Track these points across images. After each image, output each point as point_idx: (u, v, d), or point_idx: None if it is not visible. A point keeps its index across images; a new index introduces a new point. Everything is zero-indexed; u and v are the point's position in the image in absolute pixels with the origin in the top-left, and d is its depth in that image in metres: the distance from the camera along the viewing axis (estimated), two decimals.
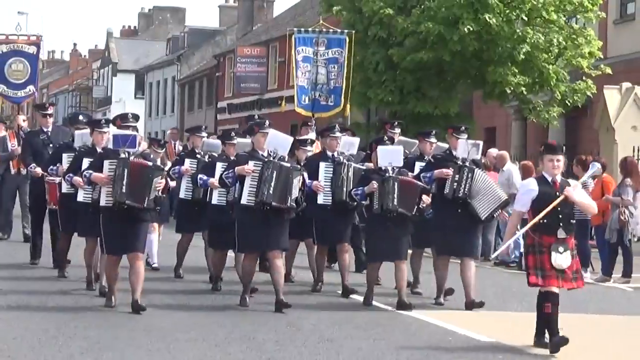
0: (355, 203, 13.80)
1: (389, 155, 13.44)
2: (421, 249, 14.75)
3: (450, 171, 13.48)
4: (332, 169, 14.27)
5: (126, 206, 12.03)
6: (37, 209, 16.44)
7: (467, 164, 13.55)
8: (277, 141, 12.89)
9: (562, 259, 10.61)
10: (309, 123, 19.45)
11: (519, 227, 11.27)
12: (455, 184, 13.43)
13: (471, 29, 25.64)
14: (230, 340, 10.89)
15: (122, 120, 13.44)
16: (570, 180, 11.07)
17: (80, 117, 15.24)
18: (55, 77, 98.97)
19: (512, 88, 26.78)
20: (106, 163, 12.21)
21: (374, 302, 13.64)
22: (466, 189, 13.40)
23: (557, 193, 10.66)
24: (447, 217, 13.51)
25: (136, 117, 13.94)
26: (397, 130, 15.97)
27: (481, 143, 14.28)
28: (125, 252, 12.36)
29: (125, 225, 12.18)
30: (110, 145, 12.48)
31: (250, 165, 12.63)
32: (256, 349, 10.49)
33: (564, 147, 11.04)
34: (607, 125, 25.51)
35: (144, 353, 10.09)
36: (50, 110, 16.80)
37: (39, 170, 15.72)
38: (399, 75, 27.38)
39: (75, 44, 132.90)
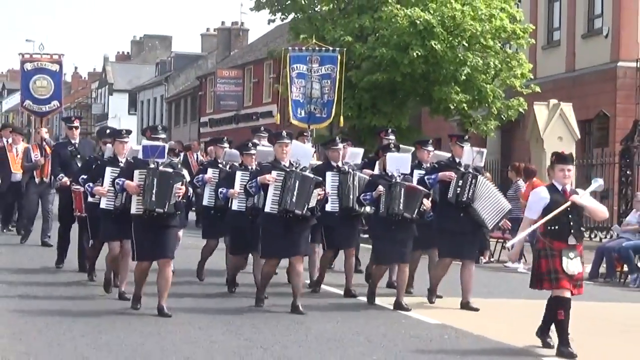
0: (363, 209, 13.06)
1: (398, 162, 12.53)
2: (419, 251, 13.45)
3: (453, 174, 12.54)
4: (337, 178, 13.28)
5: (156, 214, 11.25)
6: (66, 218, 15.27)
7: (470, 170, 12.61)
8: (300, 152, 12.28)
9: (573, 264, 9.73)
10: (305, 133, 18.39)
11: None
12: (459, 189, 12.48)
13: (419, 53, 25.65)
14: (213, 325, 10.87)
15: (152, 132, 12.56)
16: (578, 190, 10.12)
17: (108, 132, 14.01)
18: None
19: (455, 104, 26.79)
20: (136, 173, 11.37)
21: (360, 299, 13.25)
22: (470, 195, 12.47)
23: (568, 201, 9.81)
24: (450, 221, 12.58)
25: (164, 129, 12.95)
26: (392, 137, 15.14)
27: (485, 150, 13.33)
28: (155, 258, 11.40)
29: (155, 232, 11.27)
30: (140, 156, 11.65)
31: (274, 175, 11.76)
32: (235, 331, 10.49)
33: (575, 158, 10.15)
34: (536, 136, 25.65)
35: (138, 335, 10.06)
36: (77, 123, 15.89)
37: (66, 179, 14.90)
38: (357, 94, 27.34)
39: (76, 67, 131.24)
